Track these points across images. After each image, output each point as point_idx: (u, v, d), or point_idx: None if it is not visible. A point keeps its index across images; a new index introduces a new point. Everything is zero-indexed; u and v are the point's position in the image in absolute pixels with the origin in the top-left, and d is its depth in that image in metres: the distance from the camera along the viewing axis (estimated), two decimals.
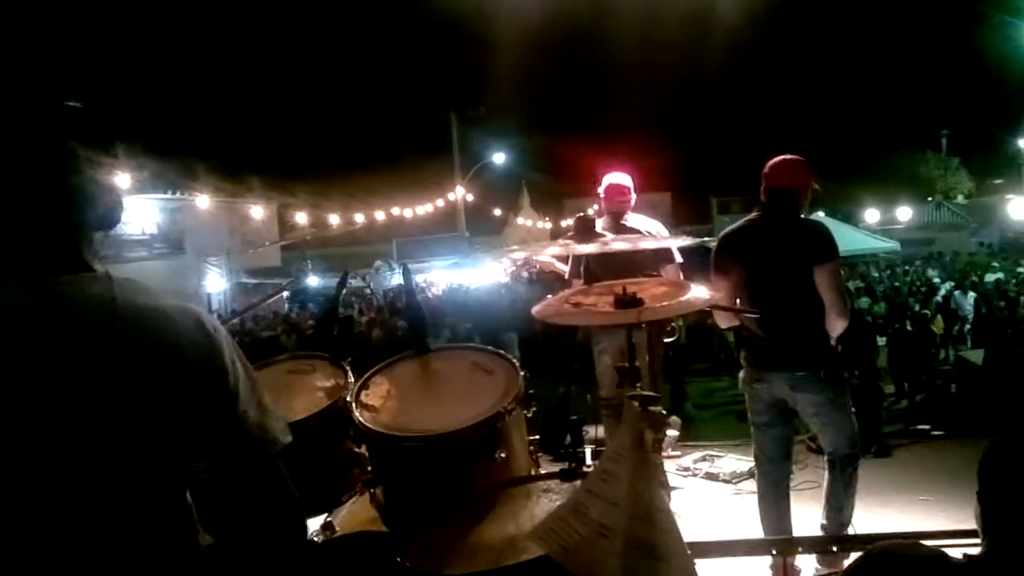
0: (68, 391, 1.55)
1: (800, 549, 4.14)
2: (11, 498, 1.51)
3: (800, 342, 4.32)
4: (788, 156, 4.59)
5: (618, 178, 6.14)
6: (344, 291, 3.96)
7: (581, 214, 3.99)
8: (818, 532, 4.43)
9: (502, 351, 3.42)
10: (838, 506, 4.40)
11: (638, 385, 2.93)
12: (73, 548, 1.55)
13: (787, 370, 4.35)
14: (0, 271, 1.63)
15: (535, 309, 3.25)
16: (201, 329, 1.72)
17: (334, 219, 27.26)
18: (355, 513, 3.27)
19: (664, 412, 2.48)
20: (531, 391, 3.19)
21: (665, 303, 2.97)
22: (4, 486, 1.51)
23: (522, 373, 3.19)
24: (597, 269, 5.49)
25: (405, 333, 15.12)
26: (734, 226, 4.70)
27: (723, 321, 4.66)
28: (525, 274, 27.95)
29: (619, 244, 4.18)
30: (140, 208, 25.40)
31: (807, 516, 5.03)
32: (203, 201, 25.72)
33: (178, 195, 26.84)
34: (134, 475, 1.61)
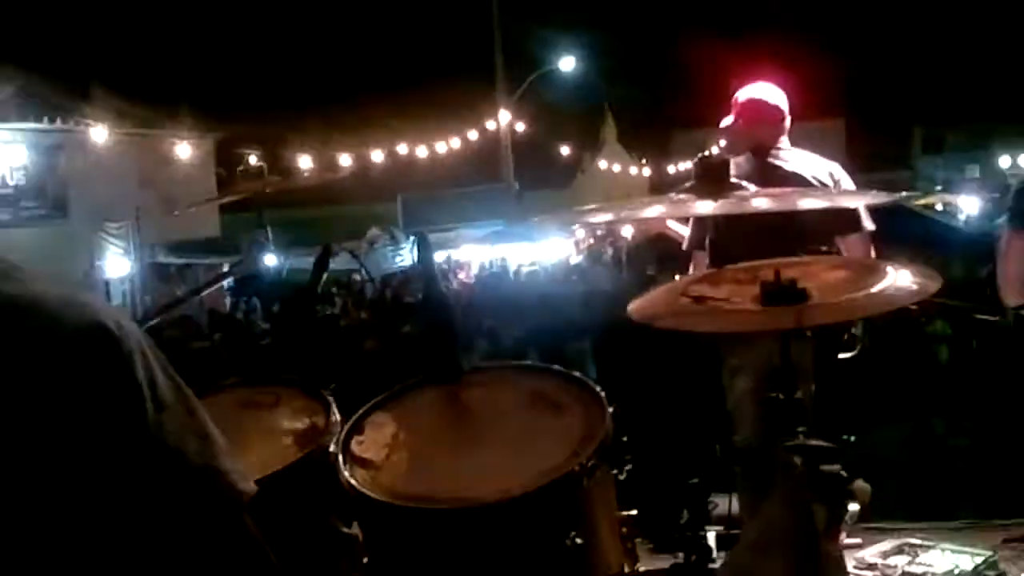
0: None
1: None
2: None
3: None
4: None
5: (764, 92, 6.10)
6: (324, 276, 3.97)
7: (705, 152, 3.97)
8: None
9: (578, 374, 3.40)
10: None
11: (801, 429, 2.90)
12: None
13: None
14: None
15: (633, 306, 3.23)
16: (98, 330, 1.72)
17: (305, 163, 27.44)
18: None
19: (845, 474, 2.45)
20: (624, 438, 3.17)
21: (846, 296, 2.94)
22: None
23: (610, 409, 3.17)
24: (731, 241, 5.46)
25: (420, 344, 15.17)
26: None
27: (1012, 296, 4.76)
28: (610, 250, 27.97)
29: (768, 200, 4.15)
30: None
31: None
32: (99, 134, 25.92)
33: (60, 124, 27.20)
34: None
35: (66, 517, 1.69)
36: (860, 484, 6.04)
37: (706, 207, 3.88)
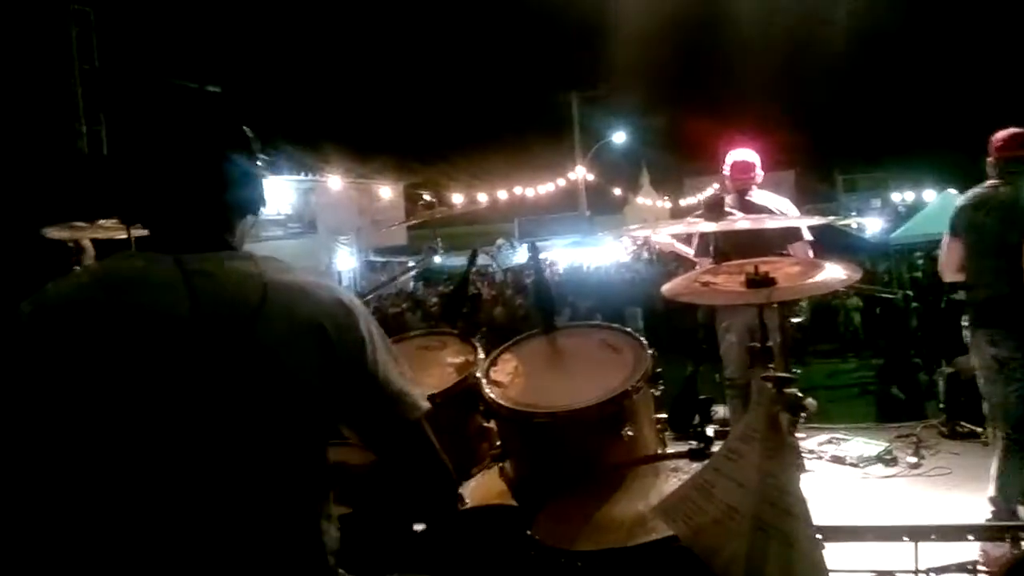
0: (224, 367, 1.59)
1: (933, 536, 3.97)
2: (160, 460, 1.57)
3: (1009, 303, 4.41)
4: (1019, 129, 4.66)
5: (744, 154, 6.01)
6: (473, 268, 3.97)
7: (713, 190, 3.93)
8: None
9: (630, 330, 3.37)
10: (1000, 485, 4.36)
11: (770, 366, 2.84)
12: (212, 516, 1.59)
13: (992, 327, 4.50)
14: (153, 248, 1.70)
15: (665, 288, 3.20)
16: (339, 303, 1.75)
17: (458, 199, 27.55)
18: (484, 486, 3.27)
19: (799, 394, 2.40)
20: (658, 369, 3.13)
21: (799, 283, 2.87)
22: (159, 450, 1.56)
23: (650, 351, 3.13)
24: (726, 247, 5.40)
25: (526, 311, 15.18)
26: (978, 189, 4.75)
27: (948, 275, 4.79)
28: (645, 254, 27.73)
29: (747, 222, 4.07)
30: (275, 189, 26.09)
31: (940, 501, 4.84)
32: (334, 182, 26.34)
33: (311, 177, 27.59)
34: (281, 442, 1.65)
35: (322, 413, 1.71)
36: (809, 400, 5.94)
37: (710, 226, 3.84)
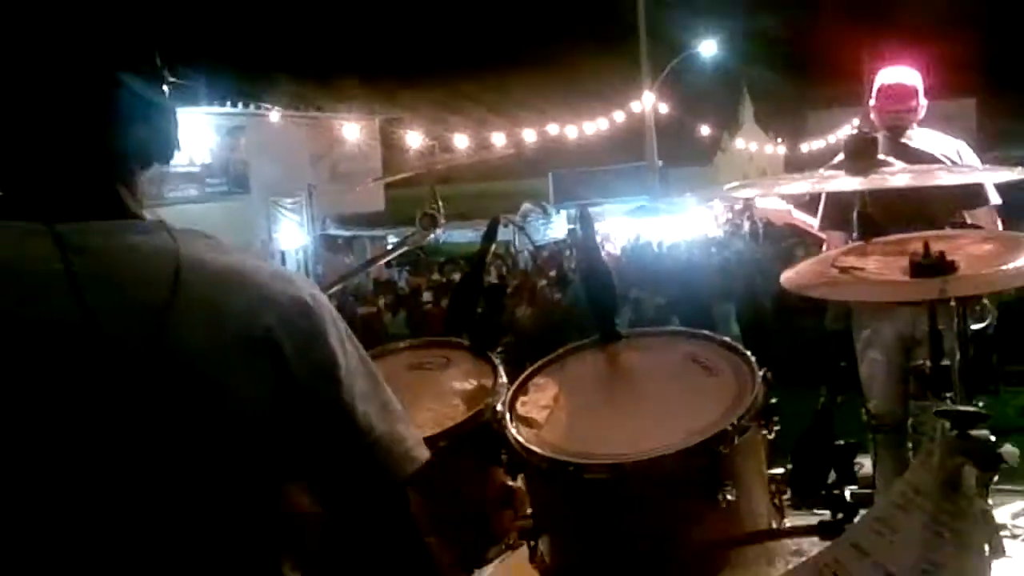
0: (125, 393, 1.58)
1: None
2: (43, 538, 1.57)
3: None
4: None
5: (898, 75, 6.04)
6: (492, 247, 3.98)
7: (857, 128, 3.92)
8: None
9: (729, 340, 3.36)
10: None
11: (948, 395, 2.82)
12: None
13: None
14: (8, 214, 1.66)
15: (786, 276, 3.18)
16: (298, 301, 1.73)
17: (461, 142, 27.50)
18: None
19: (993, 439, 2.38)
20: (773, 401, 3.11)
21: (991, 269, 2.85)
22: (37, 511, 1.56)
23: (760, 373, 3.12)
24: (877, 215, 5.40)
25: (567, 311, 15.17)
26: None
27: None
28: (747, 225, 27.75)
29: (908, 177, 4.06)
30: (188, 128, 26.21)
31: None
32: (276, 117, 26.33)
33: (240, 109, 27.63)
34: (203, 500, 1.64)
35: (267, 461, 1.70)
36: (1009, 448, 5.90)
37: (854, 183, 3.82)
